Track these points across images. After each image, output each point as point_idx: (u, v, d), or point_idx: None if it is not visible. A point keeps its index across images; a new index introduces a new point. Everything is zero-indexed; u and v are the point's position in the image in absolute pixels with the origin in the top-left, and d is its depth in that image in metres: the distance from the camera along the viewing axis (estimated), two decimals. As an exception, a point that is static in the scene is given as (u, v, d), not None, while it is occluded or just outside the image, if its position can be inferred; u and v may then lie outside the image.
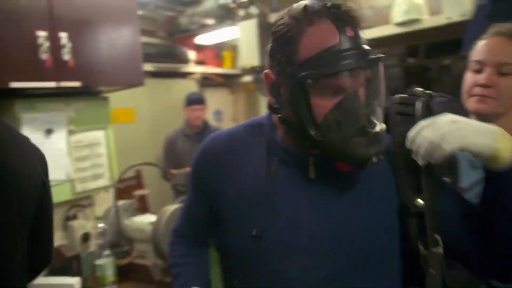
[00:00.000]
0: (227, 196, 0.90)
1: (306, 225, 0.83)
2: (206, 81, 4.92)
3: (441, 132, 0.75)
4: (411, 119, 0.85)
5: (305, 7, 0.78)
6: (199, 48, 4.74)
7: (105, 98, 2.09)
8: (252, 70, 3.27)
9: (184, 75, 4.55)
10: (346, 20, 0.77)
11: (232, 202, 0.89)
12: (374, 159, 0.77)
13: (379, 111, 0.82)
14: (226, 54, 5.13)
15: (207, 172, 0.95)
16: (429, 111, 0.87)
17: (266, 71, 0.85)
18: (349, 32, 0.76)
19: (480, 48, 1.13)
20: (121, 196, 2.25)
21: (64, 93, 1.88)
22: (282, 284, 0.83)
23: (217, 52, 4.99)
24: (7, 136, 0.96)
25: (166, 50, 3.85)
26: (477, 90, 1.10)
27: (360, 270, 0.83)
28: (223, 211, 0.91)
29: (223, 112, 5.42)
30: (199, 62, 4.72)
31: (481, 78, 1.09)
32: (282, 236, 0.83)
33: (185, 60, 4.22)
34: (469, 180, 1.11)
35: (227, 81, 5.26)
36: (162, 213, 1.84)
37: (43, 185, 1.03)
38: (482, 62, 1.11)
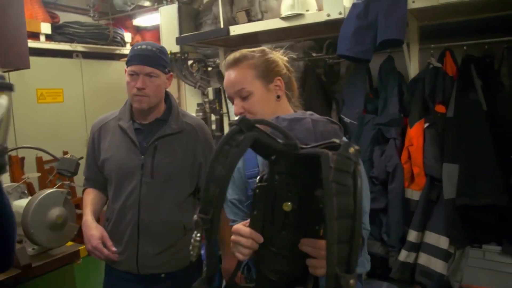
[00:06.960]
0: None
1: None
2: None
3: None
4: (348, 190, 0.65)
5: None
6: (138, 30, 4.67)
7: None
8: (172, 56, 3.24)
9: (122, 57, 4.48)
10: None
11: None
12: None
13: None
14: (169, 37, 5.06)
15: None
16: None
17: None
18: None
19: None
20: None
21: None
22: None
23: (158, 35, 4.91)
24: None
25: (97, 31, 3.76)
26: None
27: None
28: None
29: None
30: (138, 45, 4.65)
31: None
32: None
33: (120, 42, 4.14)
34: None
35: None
36: (34, 197, 1.84)
37: None
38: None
